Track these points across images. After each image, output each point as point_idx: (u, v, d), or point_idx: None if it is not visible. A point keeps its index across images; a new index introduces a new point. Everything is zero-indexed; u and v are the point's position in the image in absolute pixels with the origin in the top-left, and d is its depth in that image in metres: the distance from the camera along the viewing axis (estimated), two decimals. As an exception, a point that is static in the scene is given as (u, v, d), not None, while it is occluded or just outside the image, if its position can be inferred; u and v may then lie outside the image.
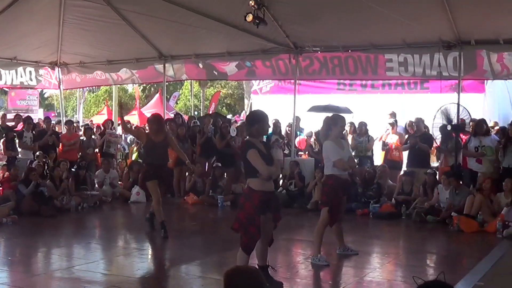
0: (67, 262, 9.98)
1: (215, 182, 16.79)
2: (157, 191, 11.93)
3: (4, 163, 16.22)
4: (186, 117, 22.43)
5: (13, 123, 19.58)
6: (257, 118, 7.94)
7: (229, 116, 27.84)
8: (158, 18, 15.83)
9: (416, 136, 15.68)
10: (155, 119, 12.42)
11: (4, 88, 26.02)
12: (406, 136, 16.51)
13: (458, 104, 14.87)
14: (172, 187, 17.11)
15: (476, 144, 14.37)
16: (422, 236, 12.80)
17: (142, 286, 8.39)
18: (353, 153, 15.72)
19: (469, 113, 14.99)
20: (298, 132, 19.11)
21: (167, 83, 21.39)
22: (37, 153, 16.87)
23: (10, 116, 22.68)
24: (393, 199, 14.91)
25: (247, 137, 8.17)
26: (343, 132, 10.31)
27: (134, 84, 38.80)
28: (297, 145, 18.66)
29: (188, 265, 9.81)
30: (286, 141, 18.28)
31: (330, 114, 10.21)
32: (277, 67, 17.88)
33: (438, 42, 14.80)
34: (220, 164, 17.19)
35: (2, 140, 17.13)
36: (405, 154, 16.32)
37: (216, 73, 19.50)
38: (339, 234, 10.18)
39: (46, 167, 16.13)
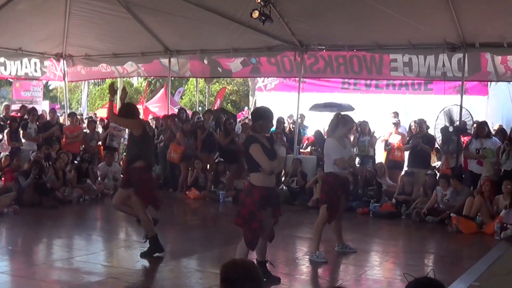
0: (67, 253, 10.07)
1: (217, 178, 16.83)
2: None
3: (7, 153, 16.26)
4: (190, 113, 22.47)
5: (19, 114, 19.62)
6: (261, 115, 8.02)
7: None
8: (165, 13, 15.88)
9: (418, 137, 15.70)
10: (130, 104, 10.80)
11: (9, 79, 26.05)
12: (408, 137, 16.53)
13: (461, 106, 14.90)
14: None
15: (477, 146, 14.39)
16: (421, 236, 12.84)
17: (142, 278, 8.45)
18: (355, 152, 15.85)
19: (471, 115, 15.03)
20: (302, 130, 19.17)
21: (172, 78, 21.41)
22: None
23: (14, 107, 22.74)
24: (393, 198, 14.94)
25: (250, 132, 8.23)
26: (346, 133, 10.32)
27: (140, 78, 38.92)
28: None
29: (188, 259, 9.88)
30: (288, 138, 18.31)
31: (333, 112, 10.28)
32: (282, 65, 17.92)
33: (442, 43, 14.85)
34: (222, 160, 17.22)
35: (6, 130, 17.18)
36: (406, 154, 16.34)
37: (220, 70, 19.54)
38: (338, 231, 10.23)
39: (49, 158, 16.16)
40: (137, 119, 9.77)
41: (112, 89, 10.00)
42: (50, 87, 49.94)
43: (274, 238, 8.29)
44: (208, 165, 17.93)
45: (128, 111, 9.79)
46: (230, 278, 4.01)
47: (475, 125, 15.14)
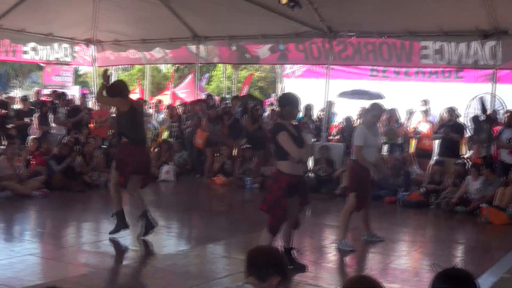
0: (95, 236, 10.11)
1: (244, 164, 16.80)
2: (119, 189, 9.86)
3: (35, 136, 16.35)
4: (217, 99, 22.44)
5: (49, 99, 19.75)
6: (288, 101, 7.98)
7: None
8: (194, -1, 15.89)
9: (448, 126, 15.52)
10: (120, 82, 10.68)
11: (40, 64, 26.20)
12: (438, 125, 16.36)
13: (493, 95, 14.70)
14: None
15: (508, 136, 14.20)
16: (450, 226, 12.72)
17: (167, 262, 8.42)
18: (383, 140, 15.74)
19: (503, 104, 14.82)
20: (330, 118, 19.07)
21: (199, 65, 21.42)
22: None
23: (45, 91, 22.88)
24: (422, 188, 14.79)
25: (278, 119, 8.17)
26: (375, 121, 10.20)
27: (167, 65, 38.93)
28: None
29: (214, 245, 9.85)
30: (317, 125, 18.20)
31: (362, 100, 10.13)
32: (309, 51, 17.80)
33: (475, 30, 14.65)
34: (249, 146, 17.19)
35: (36, 114, 17.30)
36: (436, 143, 16.18)
37: (247, 56, 19.49)
38: (365, 220, 10.14)
39: (78, 143, 16.25)
40: (123, 97, 9.64)
41: (105, 75, 9.99)
42: (80, 72, 50.22)
43: (301, 226, 8.25)
44: (234, 151, 17.90)
45: (115, 89, 9.73)
46: (255, 264, 4.01)
47: (507, 114, 14.92)
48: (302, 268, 8.00)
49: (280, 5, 14.13)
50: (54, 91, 20.59)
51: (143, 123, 10.36)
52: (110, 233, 9.53)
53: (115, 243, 9.41)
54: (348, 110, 19.38)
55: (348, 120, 18.07)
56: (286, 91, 20.76)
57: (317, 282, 7.76)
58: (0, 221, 11.30)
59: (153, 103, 22.86)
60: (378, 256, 9.59)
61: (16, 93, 30.60)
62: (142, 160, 9.76)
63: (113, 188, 9.75)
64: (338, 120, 19.59)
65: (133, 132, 9.55)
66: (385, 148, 16.63)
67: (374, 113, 9.90)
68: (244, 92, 30.49)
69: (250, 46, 18.95)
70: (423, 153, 16.38)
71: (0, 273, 7.37)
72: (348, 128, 17.20)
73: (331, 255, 9.38)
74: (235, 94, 28.73)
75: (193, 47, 19.59)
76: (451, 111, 15.85)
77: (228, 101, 19.88)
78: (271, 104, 21.67)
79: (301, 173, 7.97)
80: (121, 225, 9.60)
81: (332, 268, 8.83)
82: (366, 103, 14.69)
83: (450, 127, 15.41)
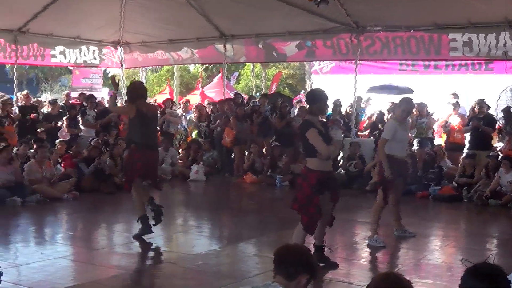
0: (126, 238, 10.10)
1: (273, 162, 16.77)
2: (141, 194, 9.83)
3: (63, 139, 16.45)
4: (246, 97, 22.45)
5: (78, 101, 19.88)
6: (317, 97, 7.96)
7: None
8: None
9: (479, 118, 15.34)
10: (142, 85, 10.76)
11: (69, 67, 26.39)
12: (469, 118, 16.18)
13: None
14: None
15: (540, 126, 14.02)
16: (483, 220, 12.60)
17: (198, 262, 8.41)
18: (413, 134, 15.61)
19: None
20: (359, 113, 18.95)
21: (227, 64, 21.43)
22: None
23: (74, 94, 23.03)
24: (454, 181, 14.65)
25: (306, 116, 8.13)
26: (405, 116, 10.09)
27: (196, 64, 39.06)
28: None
29: (245, 243, 9.88)
30: (346, 121, 18.10)
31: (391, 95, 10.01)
32: (337, 47, 17.71)
33: (504, 21, 14.45)
34: (278, 144, 17.14)
35: (65, 117, 17.42)
36: (467, 136, 16.01)
37: (275, 54, 19.45)
38: (396, 215, 10.05)
39: (107, 145, 16.34)
40: (133, 103, 9.60)
41: (114, 82, 10.04)
42: (109, 75, 50.56)
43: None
44: (264, 149, 17.88)
45: (132, 92, 9.76)
46: (283, 263, 3.99)
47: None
48: (333, 266, 7.96)
49: (306, 2, 14.04)
50: (82, 94, 20.72)
51: (154, 128, 10.33)
52: (134, 237, 9.53)
53: (146, 244, 9.42)
54: (377, 105, 19.27)
55: (380, 114, 17.96)
56: (313, 88, 20.74)
57: (349, 279, 7.70)
58: (31, 224, 11.43)
59: (182, 103, 22.92)
60: (410, 251, 9.49)
61: (46, 97, 30.86)
62: (151, 166, 9.81)
63: (135, 193, 9.72)
64: (368, 114, 19.43)
65: (141, 137, 9.57)
66: (415, 142, 16.51)
67: (404, 108, 9.80)
68: (273, 90, 30.48)
69: (277, 43, 18.90)
70: (454, 147, 16.22)
71: (31, 276, 7.43)
72: (380, 123, 17.11)
73: (363, 251, 9.32)
74: (264, 92, 28.75)
75: (220, 46, 19.58)
76: (482, 103, 15.66)
77: (256, 99, 19.84)
78: (300, 101, 21.60)
79: (331, 169, 7.92)
80: (146, 229, 9.56)
81: (364, 264, 8.76)
82: (396, 98, 14.59)
83: (481, 120, 15.24)
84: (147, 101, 10.41)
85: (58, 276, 7.51)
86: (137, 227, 9.95)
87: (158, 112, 11.29)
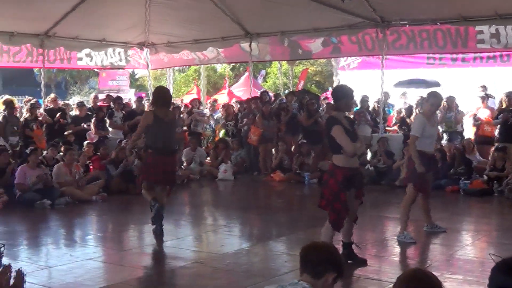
0: (154, 238, 10.12)
1: (301, 159, 16.72)
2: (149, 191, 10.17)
3: (90, 141, 16.54)
4: (273, 95, 22.43)
5: (105, 103, 19.99)
6: (344, 93, 7.93)
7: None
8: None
9: (509, 111, 15.16)
10: (160, 91, 10.76)
11: (95, 69, 26.54)
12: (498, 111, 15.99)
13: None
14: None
15: None
16: (515, 214, 12.45)
17: (227, 262, 8.40)
18: (442, 129, 15.48)
19: None
20: (386, 108, 18.84)
21: (254, 62, 21.41)
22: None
23: (101, 96, 23.16)
24: (484, 175, 14.49)
25: (332, 112, 8.09)
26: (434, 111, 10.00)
27: (221, 64, 39.15)
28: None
29: (273, 242, 9.88)
30: (374, 117, 18.00)
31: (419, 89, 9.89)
32: (363, 43, 17.62)
33: (531, 12, 14.29)
34: (306, 141, 17.09)
35: (93, 120, 17.52)
36: (497, 129, 15.83)
37: (300, 51, 19.42)
38: (426, 210, 9.96)
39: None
40: (160, 105, 9.92)
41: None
42: (137, 76, 50.75)
43: (361, 219, 8.16)
44: (292, 147, 17.84)
45: (155, 98, 10.15)
46: (310, 261, 3.95)
47: None
48: (362, 263, 7.92)
49: (331, -2, 14.01)
50: (108, 96, 20.81)
51: (172, 133, 10.43)
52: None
53: (174, 244, 9.47)
54: (406, 100, 19.16)
55: (409, 108, 17.81)
56: (339, 84, 20.66)
57: (379, 276, 7.64)
58: (60, 226, 11.54)
59: (210, 103, 22.97)
60: (441, 247, 9.41)
61: (75, 100, 31.04)
62: (167, 170, 10.03)
63: (145, 191, 10.17)
64: (397, 108, 19.31)
65: (157, 142, 9.80)
66: (444, 137, 16.37)
67: (432, 102, 9.69)
68: (300, 87, 30.42)
69: (302, 41, 18.85)
70: (484, 140, 16.06)
71: (60, 279, 7.48)
72: (409, 118, 17.00)
73: (393, 247, 9.25)
74: (291, 90, 28.70)
75: (245, 45, 19.57)
76: (511, 95, 15.48)
77: (282, 97, 19.80)
78: (325, 98, 21.54)
79: (357, 165, 7.87)
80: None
81: (393, 261, 8.70)
82: (424, 92, 14.46)
83: (510, 112, 15.06)
84: (171, 104, 10.72)
85: (88, 277, 7.54)
86: (165, 227, 10.02)
87: (177, 116, 11.57)
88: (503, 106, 15.70)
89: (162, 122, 9.75)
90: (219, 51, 20.47)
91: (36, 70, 39.03)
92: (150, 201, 9.98)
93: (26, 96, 22.77)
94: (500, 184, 13.88)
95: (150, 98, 10.03)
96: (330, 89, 31.74)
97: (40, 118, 16.69)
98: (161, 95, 10.18)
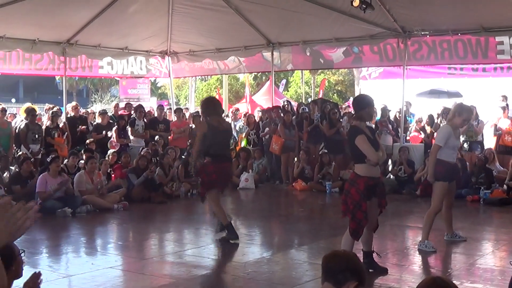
0: (176, 247, 10.23)
1: (323, 169, 16.74)
2: (219, 203, 10.51)
3: (114, 150, 16.67)
4: (295, 104, 22.49)
5: (125, 112, 20.11)
6: (365, 102, 8.00)
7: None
8: (266, 6, 15.91)
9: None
10: (210, 101, 11.07)
11: (116, 78, 26.72)
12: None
13: None
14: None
15: None
16: (535, 223, 12.40)
17: (249, 270, 8.45)
18: (463, 138, 15.45)
19: None
20: (408, 118, 18.84)
21: (275, 71, 21.48)
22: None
23: (122, 105, 23.31)
24: (505, 185, 14.46)
25: (354, 122, 8.14)
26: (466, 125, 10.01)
27: (243, 74, 39.31)
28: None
29: (295, 251, 9.92)
30: (395, 126, 18.00)
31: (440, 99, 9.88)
32: (384, 53, 17.68)
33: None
34: (327, 151, 17.11)
35: (114, 128, 17.64)
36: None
37: (322, 61, 19.51)
38: (448, 220, 9.97)
39: (156, 154, 16.49)
40: (206, 118, 10.25)
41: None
42: (158, 84, 50.99)
43: (382, 228, 8.20)
44: (314, 156, 17.87)
45: (207, 108, 10.39)
46: (331, 269, 3.97)
47: None
48: (383, 272, 7.94)
49: (352, 8, 14.04)
50: (128, 104, 20.88)
51: (227, 140, 10.88)
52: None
53: (196, 252, 9.53)
54: (426, 110, 19.15)
55: (431, 118, 17.80)
56: (359, 94, 20.70)
57: (400, 284, 7.68)
58: (81, 235, 11.58)
59: (232, 111, 23.05)
60: (461, 256, 9.42)
61: (96, 107, 31.26)
62: (225, 175, 10.41)
63: (216, 206, 10.36)
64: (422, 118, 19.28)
65: (214, 149, 10.03)
66: (465, 146, 16.35)
67: (466, 118, 9.66)
68: (320, 96, 30.48)
69: (324, 50, 18.92)
70: (505, 150, 16.02)
71: (80, 287, 7.57)
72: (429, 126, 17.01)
73: (414, 256, 9.27)
74: (313, 99, 28.74)
75: (267, 54, 19.66)
76: (532, 105, 15.47)
77: (304, 106, 19.87)
78: (347, 106, 21.57)
79: (378, 175, 7.92)
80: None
81: (414, 270, 8.71)
82: (446, 102, 14.49)
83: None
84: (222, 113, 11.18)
85: (109, 286, 7.62)
86: (188, 236, 10.09)
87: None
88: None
89: (217, 130, 10.03)
90: (240, 60, 20.57)
91: (57, 78, 39.37)
92: (220, 222, 10.22)
93: (47, 104, 23.00)
94: (521, 194, 13.85)
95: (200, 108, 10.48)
96: (351, 98, 31.73)
97: (61, 125, 16.82)
98: (211, 105, 10.47)
